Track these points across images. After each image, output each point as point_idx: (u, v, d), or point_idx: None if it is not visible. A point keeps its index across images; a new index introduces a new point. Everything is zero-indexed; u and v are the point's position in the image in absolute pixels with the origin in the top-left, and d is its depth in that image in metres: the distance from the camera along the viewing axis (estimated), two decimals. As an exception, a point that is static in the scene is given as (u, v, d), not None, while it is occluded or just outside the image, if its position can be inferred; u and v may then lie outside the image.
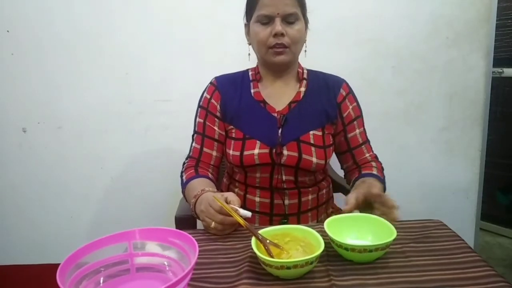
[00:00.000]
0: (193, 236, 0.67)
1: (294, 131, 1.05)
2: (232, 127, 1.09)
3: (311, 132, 1.06)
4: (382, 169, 1.12)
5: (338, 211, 1.21)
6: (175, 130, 1.66)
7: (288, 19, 1.00)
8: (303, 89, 1.10)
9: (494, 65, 1.77)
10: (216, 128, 1.10)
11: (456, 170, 1.81)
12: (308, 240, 0.76)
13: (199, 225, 0.96)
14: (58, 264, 0.59)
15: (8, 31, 1.58)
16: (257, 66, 1.14)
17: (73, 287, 0.61)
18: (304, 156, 1.03)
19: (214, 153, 1.11)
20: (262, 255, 0.68)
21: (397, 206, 0.84)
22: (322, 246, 0.70)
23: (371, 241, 0.78)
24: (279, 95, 1.09)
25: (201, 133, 1.11)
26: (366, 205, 0.89)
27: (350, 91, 1.13)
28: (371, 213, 0.84)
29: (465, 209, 1.85)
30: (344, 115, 1.10)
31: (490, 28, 1.69)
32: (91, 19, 1.58)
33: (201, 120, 1.11)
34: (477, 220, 1.86)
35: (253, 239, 0.74)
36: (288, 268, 0.67)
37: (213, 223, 0.85)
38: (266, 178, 1.07)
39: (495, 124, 2.03)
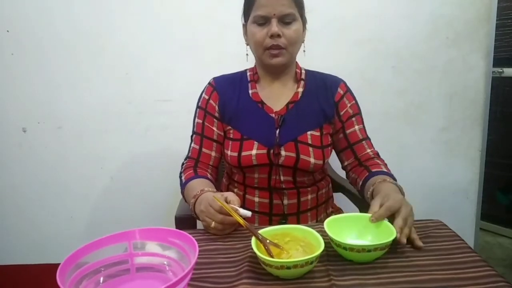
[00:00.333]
0: (193, 236, 0.67)
1: (292, 132, 1.05)
2: (230, 127, 1.09)
3: (308, 133, 1.05)
4: (386, 165, 1.09)
5: (338, 211, 1.21)
6: (175, 130, 1.66)
7: (284, 20, 0.99)
8: (300, 89, 1.09)
9: (494, 65, 1.77)
10: (214, 128, 1.10)
11: (456, 170, 1.81)
12: (308, 240, 0.76)
13: (199, 225, 0.96)
14: (58, 264, 0.59)
15: (8, 31, 1.58)
16: (255, 66, 1.13)
17: (73, 287, 0.61)
18: (302, 156, 1.03)
19: (213, 154, 1.11)
20: (262, 255, 0.68)
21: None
22: (322, 246, 0.70)
23: (371, 241, 0.78)
24: (277, 96, 1.09)
25: (199, 134, 1.11)
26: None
27: (348, 90, 1.12)
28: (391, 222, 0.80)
29: (465, 209, 1.85)
30: (342, 112, 1.10)
31: (490, 28, 1.69)
32: (91, 19, 1.58)
33: (200, 121, 1.11)
34: (477, 220, 1.86)
35: (253, 239, 0.74)
36: (288, 268, 0.67)
37: (213, 223, 0.85)
38: (264, 179, 1.06)
39: (495, 124, 2.03)
